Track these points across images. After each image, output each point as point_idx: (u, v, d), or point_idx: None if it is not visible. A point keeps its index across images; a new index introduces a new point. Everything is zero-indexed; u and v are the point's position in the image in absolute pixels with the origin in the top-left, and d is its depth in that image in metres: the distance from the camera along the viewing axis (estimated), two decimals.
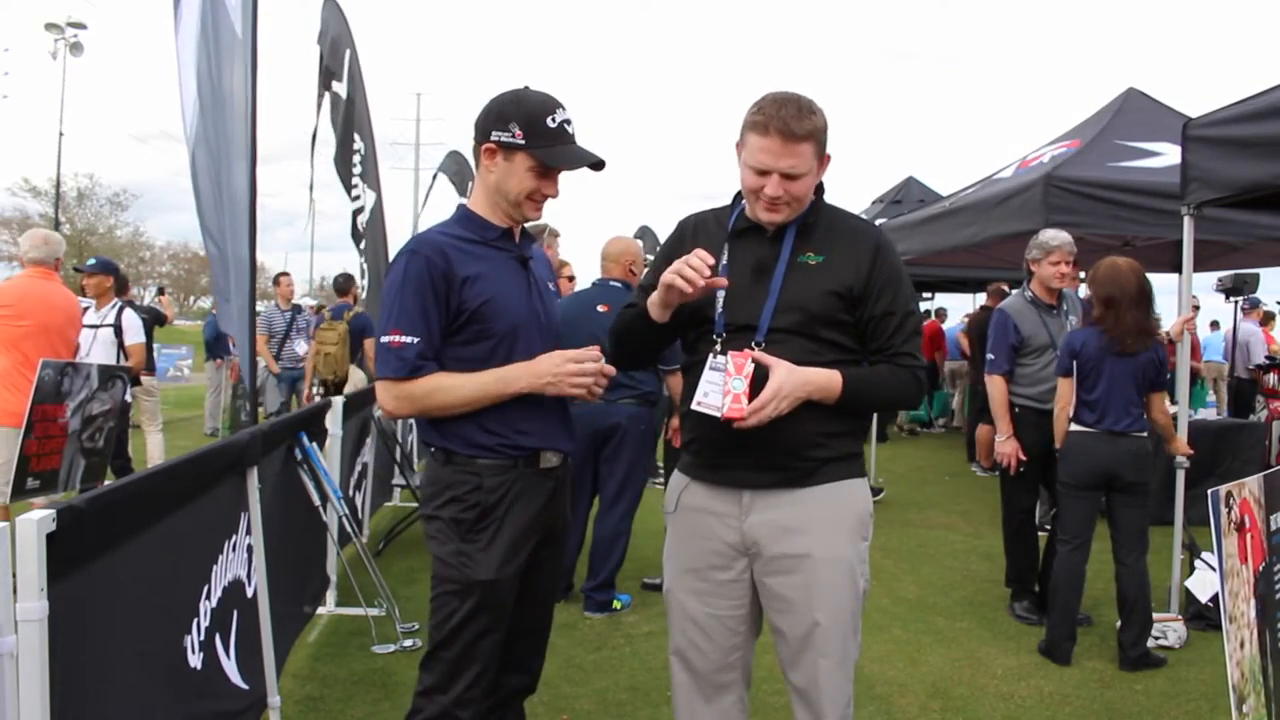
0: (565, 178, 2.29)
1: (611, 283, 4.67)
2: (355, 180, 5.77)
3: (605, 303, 4.53)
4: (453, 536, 2.19)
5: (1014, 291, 4.80)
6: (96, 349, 6.26)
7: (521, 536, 2.23)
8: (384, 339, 2.17)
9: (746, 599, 2.18)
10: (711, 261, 1.97)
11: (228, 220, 3.74)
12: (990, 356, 4.57)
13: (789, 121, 1.97)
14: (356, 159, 5.73)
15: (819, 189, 2.17)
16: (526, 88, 2.24)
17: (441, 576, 2.21)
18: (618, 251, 4.73)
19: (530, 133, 2.17)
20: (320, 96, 5.53)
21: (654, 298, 2.08)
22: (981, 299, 10.47)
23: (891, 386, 2.10)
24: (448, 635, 2.19)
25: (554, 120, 2.19)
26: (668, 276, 1.97)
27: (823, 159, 2.08)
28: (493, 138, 2.19)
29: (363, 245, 5.86)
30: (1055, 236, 4.47)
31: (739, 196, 2.20)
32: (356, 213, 5.83)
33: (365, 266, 5.92)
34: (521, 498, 2.22)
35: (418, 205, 36.63)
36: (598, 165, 2.25)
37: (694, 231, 2.25)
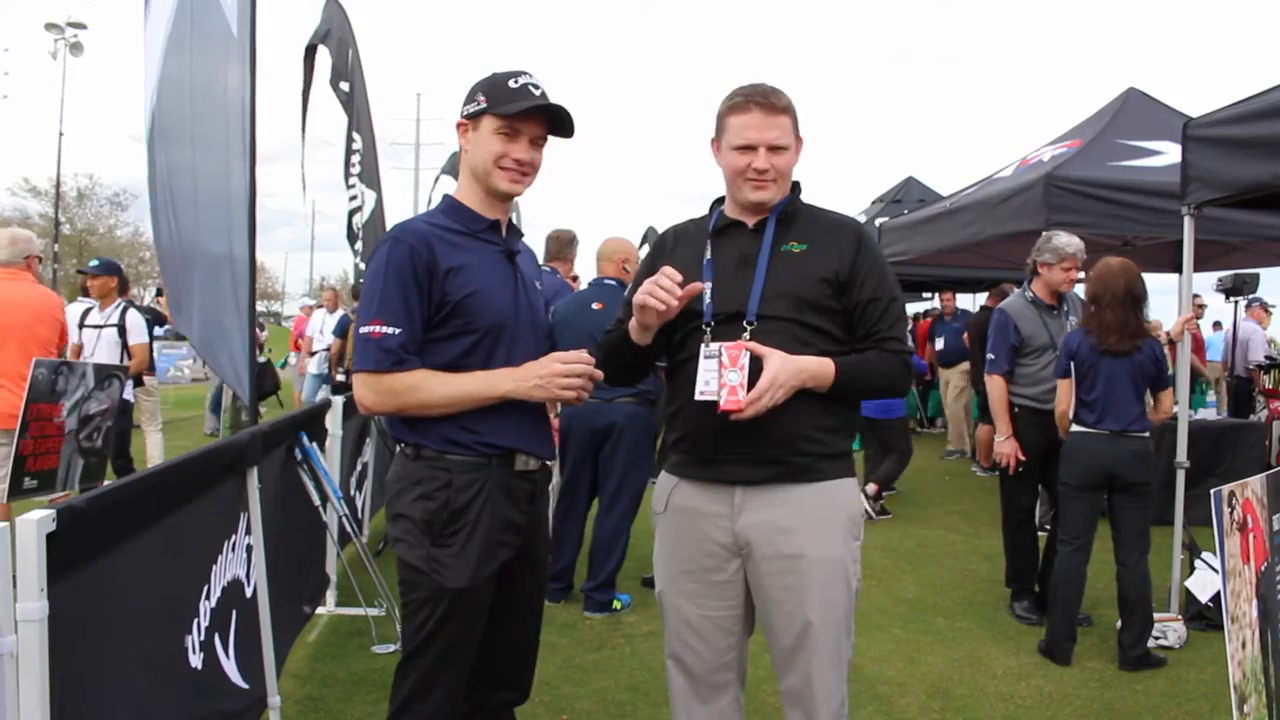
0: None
1: (606, 281, 4.71)
2: (352, 180, 5.73)
3: (600, 300, 4.56)
4: (423, 540, 2.08)
5: (1014, 291, 4.80)
6: (101, 349, 6.27)
7: (495, 541, 2.13)
8: (364, 329, 2.06)
9: (740, 599, 2.18)
10: (679, 278, 1.98)
11: (230, 218, 3.70)
12: (990, 356, 4.57)
13: (767, 95, 2.09)
14: (355, 159, 5.71)
15: (796, 187, 2.21)
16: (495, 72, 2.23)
17: (411, 583, 2.11)
18: (611, 250, 4.79)
19: (493, 97, 2.14)
20: (306, 97, 5.46)
21: (633, 321, 2.09)
22: (982, 299, 10.46)
23: (881, 372, 2.12)
24: (421, 643, 2.10)
25: (516, 82, 2.14)
26: (639, 298, 1.99)
27: (798, 141, 2.15)
28: (462, 114, 2.18)
29: (357, 246, 5.82)
30: (1070, 243, 4.44)
31: (715, 204, 2.27)
32: (352, 213, 5.80)
33: (362, 267, 5.88)
34: (494, 499, 2.12)
35: (417, 206, 36.63)
36: (562, 122, 2.18)
37: (674, 242, 2.28)
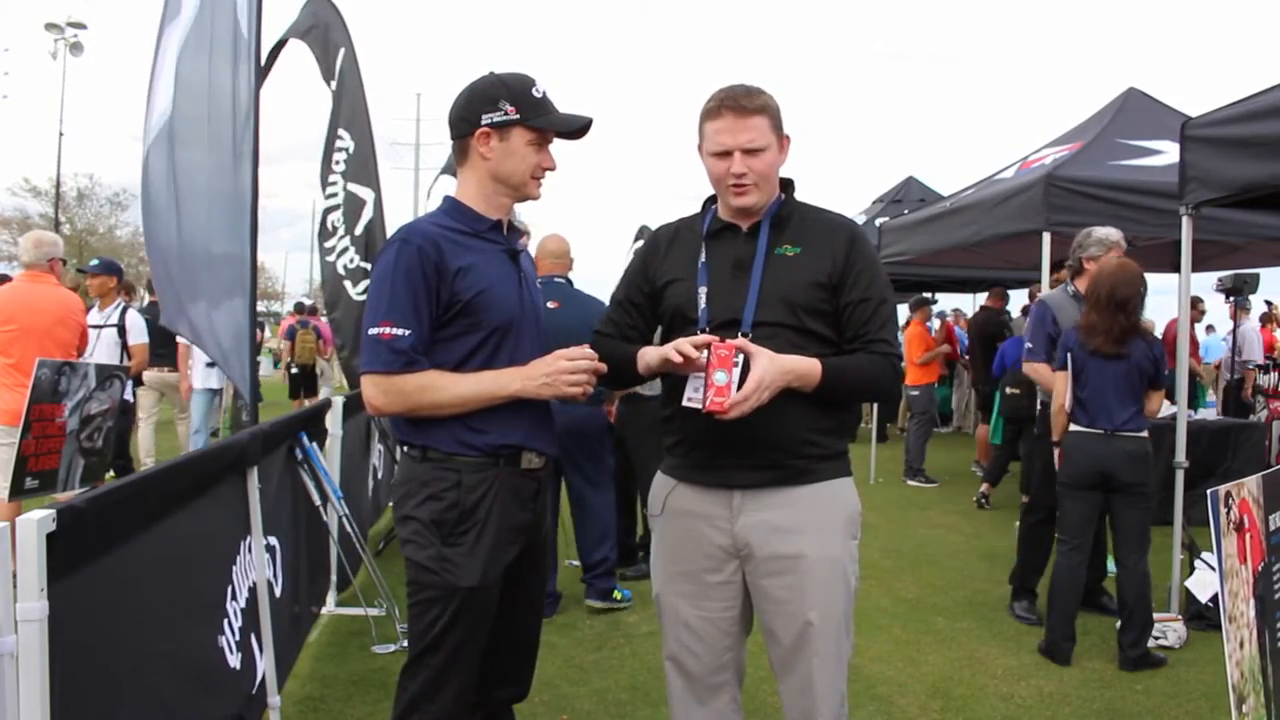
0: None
1: (556, 279, 4.60)
2: (334, 179, 5.61)
3: (555, 299, 4.32)
4: (433, 540, 2.10)
5: (1055, 288, 4.86)
6: (100, 349, 6.29)
7: (504, 540, 2.15)
8: (373, 331, 2.05)
9: (738, 600, 2.17)
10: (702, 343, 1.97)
11: (230, 220, 3.71)
12: (1028, 345, 4.65)
13: (738, 99, 2.06)
14: (341, 156, 5.60)
15: (790, 186, 2.20)
16: (493, 72, 2.22)
17: (421, 583, 2.11)
18: (556, 248, 4.74)
19: (522, 106, 2.15)
20: (257, 88, 5.33)
21: (652, 361, 2.09)
22: (982, 299, 10.46)
23: (869, 374, 2.10)
24: (432, 642, 2.10)
25: (538, 91, 2.18)
26: (669, 351, 1.99)
27: (782, 139, 2.13)
28: (484, 121, 2.15)
29: (328, 244, 5.69)
30: (1112, 232, 4.52)
31: (707, 203, 2.25)
32: (328, 211, 5.67)
33: (345, 266, 5.74)
34: (502, 499, 2.14)
35: (417, 206, 36.62)
36: (589, 126, 2.24)
37: (669, 242, 2.26)
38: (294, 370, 12.98)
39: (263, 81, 5.11)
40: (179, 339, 7.52)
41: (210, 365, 8.04)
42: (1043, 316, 4.59)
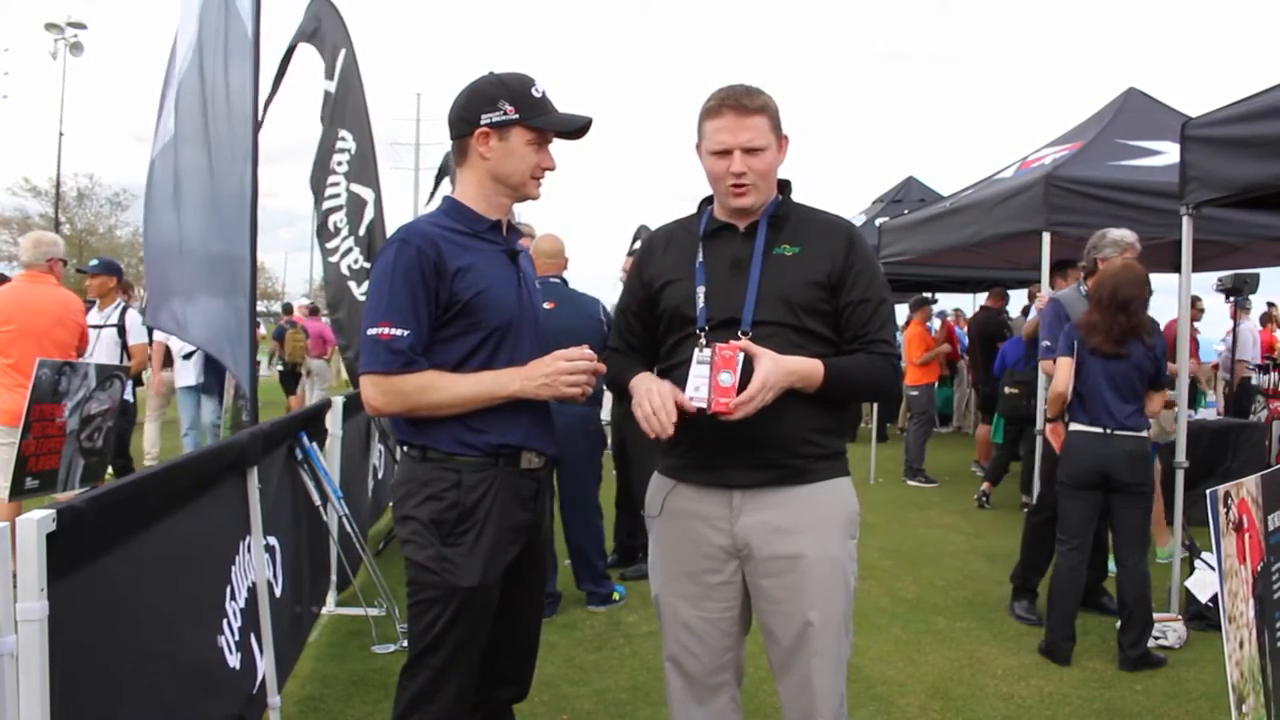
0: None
1: (551, 279, 4.59)
2: (336, 179, 5.61)
3: (550, 300, 4.27)
4: (433, 540, 2.10)
5: (1069, 286, 4.89)
6: (99, 349, 6.30)
7: (504, 540, 2.15)
8: (371, 331, 2.06)
9: (738, 600, 2.17)
10: (674, 417, 1.96)
11: (229, 219, 3.72)
12: (1045, 343, 4.70)
13: (739, 98, 2.07)
14: (344, 157, 5.61)
15: (787, 187, 2.20)
16: (492, 72, 2.22)
17: (421, 582, 2.12)
18: (551, 248, 4.72)
19: (522, 106, 2.15)
20: (271, 95, 5.32)
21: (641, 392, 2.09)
22: (982, 299, 10.46)
23: (870, 374, 2.11)
24: (432, 642, 2.10)
25: (538, 91, 2.19)
26: (640, 415, 2.00)
27: (781, 139, 2.13)
28: (484, 121, 2.15)
29: (331, 245, 5.70)
30: (1126, 234, 4.54)
31: (703, 203, 2.25)
32: (329, 212, 5.67)
33: (350, 266, 5.73)
34: (502, 498, 2.14)
35: (417, 206, 36.60)
36: (588, 126, 2.24)
37: (665, 244, 2.26)
38: (280, 368, 13.62)
39: (277, 89, 5.17)
40: (156, 336, 7.55)
41: (186, 357, 8.00)
42: (1057, 313, 4.68)
